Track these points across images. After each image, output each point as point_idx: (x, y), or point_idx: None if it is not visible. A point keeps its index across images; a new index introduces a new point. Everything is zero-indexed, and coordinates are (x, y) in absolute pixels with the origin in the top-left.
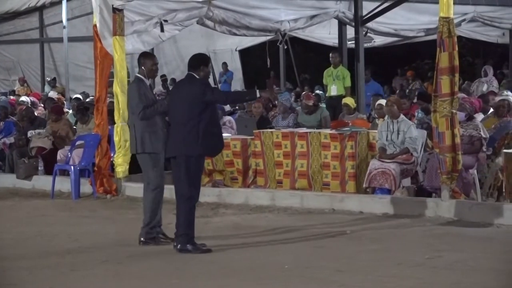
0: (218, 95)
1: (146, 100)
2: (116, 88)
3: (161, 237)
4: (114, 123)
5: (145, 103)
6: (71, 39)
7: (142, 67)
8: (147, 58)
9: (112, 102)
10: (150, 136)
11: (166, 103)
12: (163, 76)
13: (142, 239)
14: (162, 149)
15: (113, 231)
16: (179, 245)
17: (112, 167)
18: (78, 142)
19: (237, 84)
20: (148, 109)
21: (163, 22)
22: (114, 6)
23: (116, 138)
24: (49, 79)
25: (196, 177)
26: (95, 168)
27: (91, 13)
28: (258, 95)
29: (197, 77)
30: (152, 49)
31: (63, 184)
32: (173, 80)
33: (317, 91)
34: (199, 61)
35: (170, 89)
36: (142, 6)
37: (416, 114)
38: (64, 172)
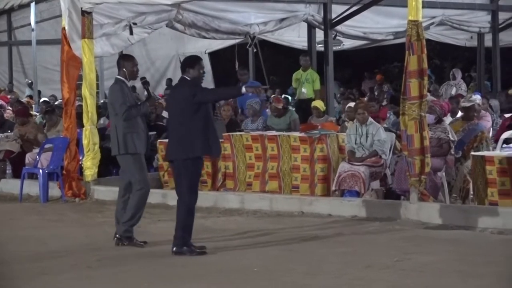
0: (207, 93)
1: (129, 101)
2: (85, 91)
3: (135, 238)
4: (83, 126)
5: (129, 103)
6: (39, 42)
7: (123, 69)
8: (127, 60)
9: (81, 105)
10: (132, 137)
11: (148, 104)
12: (143, 78)
13: (117, 235)
14: (144, 149)
15: (82, 234)
16: (175, 248)
17: (80, 170)
18: (46, 145)
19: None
20: (133, 110)
21: (132, 25)
22: (83, 9)
23: (84, 141)
24: (29, 81)
25: (194, 181)
26: (64, 172)
27: (60, 16)
28: (243, 91)
29: (188, 79)
30: (121, 52)
31: (31, 188)
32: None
33: (285, 95)
34: (185, 64)
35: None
36: (111, 9)
37: (388, 115)
38: (33, 176)
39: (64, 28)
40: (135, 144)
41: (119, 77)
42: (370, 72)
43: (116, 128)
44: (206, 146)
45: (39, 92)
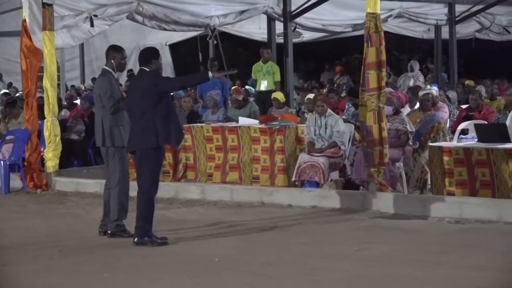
0: (170, 82)
1: (116, 94)
2: (46, 82)
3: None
4: (44, 117)
5: (117, 97)
6: (0, 34)
7: (112, 61)
8: (117, 51)
9: (42, 97)
10: (119, 130)
11: None
12: (130, 70)
13: (109, 231)
14: None
15: (44, 226)
16: (136, 238)
17: (42, 161)
18: (7, 137)
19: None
20: (120, 103)
21: (93, 17)
22: (43, 1)
23: (46, 133)
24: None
25: (155, 171)
26: (25, 163)
27: (21, 7)
28: (210, 75)
29: (148, 70)
30: (82, 44)
31: None
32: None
33: (247, 87)
34: (149, 55)
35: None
36: (71, 1)
37: (347, 107)
38: None
39: (24, 20)
40: (122, 137)
41: (107, 68)
42: (331, 64)
43: (102, 120)
44: (167, 135)
45: (10, 84)
